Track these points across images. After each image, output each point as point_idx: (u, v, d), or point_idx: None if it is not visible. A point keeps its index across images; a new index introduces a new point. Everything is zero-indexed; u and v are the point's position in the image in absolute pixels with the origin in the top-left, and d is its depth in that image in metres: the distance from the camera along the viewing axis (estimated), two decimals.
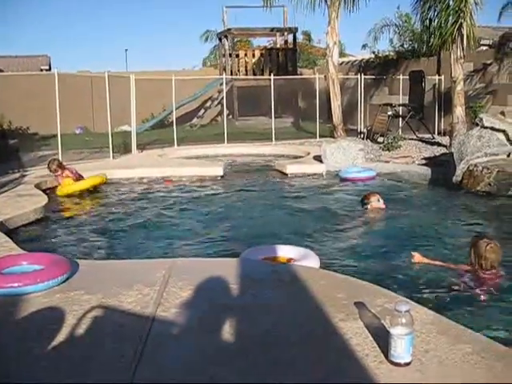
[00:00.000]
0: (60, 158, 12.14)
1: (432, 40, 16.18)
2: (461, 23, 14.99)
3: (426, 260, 5.69)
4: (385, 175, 11.99)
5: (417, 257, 5.72)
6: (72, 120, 20.16)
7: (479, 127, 10.65)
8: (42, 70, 27.42)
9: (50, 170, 10.77)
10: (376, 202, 8.34)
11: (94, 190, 10.72)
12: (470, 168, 9.79)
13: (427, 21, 16.21)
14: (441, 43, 15.43)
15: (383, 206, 8.36)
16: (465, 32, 15.13)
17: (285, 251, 5.57)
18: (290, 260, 5.32)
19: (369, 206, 8.36)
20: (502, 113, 10.96)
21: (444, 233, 7.29)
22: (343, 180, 11.50)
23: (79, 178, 10.87)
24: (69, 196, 10.22)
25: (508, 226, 7.58)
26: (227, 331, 3.39)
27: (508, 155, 10.11)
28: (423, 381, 2.74)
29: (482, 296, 4.97)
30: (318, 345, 3.21)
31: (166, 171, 12.60)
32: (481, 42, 20.60)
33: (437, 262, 5.68)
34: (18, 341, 3.34)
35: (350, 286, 4.16)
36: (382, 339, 3.03)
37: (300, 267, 4.73)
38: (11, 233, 6.95)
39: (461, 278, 5.32)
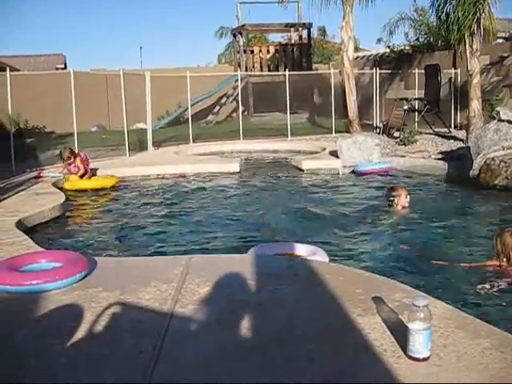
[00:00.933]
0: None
1: (450, 34, 16.07)
2: (479, 16, 14.88)
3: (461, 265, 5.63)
4: (401, 170, 11.96)
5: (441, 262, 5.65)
6: (88, 118, 20.27)
7: (496, 120, 10.58)
8: (57, 69, 27.52)
9: (63, 158, 10.94)
10: (403, 198, 8.07)
11: (109, 188, 10.78)
12: (487, 162, 9.74)
13: (444, 15, 16.08)
14: (459, 37, 15.30)
15: (407, 204, 8.14)
16: (483, 24, 15.00)
17: (294, 248, 5.58)
18: (298, 257, 5.31)
19: (396, 200, 8.08)
20: None
21: (464, 228, 7.26)
22: (359, 174, 11.50)
23: (88, 164, 11.19)
24: (76, 191, 10.38)
25: None
26: (245, 327, 3.39)
27: None
28: (441, 375, 2.73)
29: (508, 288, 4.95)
30: (335, 339, 3.21)
31: (182, 168, 12.66)
32: (497, 35, 20.44)
33: (466, 264, 5.64)
34: (38, 338, 3.37)
35: (367, 281, 4.15)
36: (400, 334, 3.02)
37: (316, 262, 4.73)
38: (29, 231, 7.02)
39: (487, 274, 5.28)
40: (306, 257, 5.19)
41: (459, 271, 5.52)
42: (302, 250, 5.48)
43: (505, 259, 5.30)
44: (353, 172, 11.97)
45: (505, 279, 5.13)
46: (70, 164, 11.00)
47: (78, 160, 11.05)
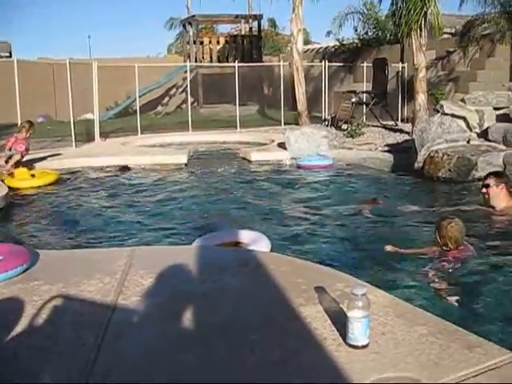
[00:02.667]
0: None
1: (398, 28, 16.31)
2: (426, 11, 15.13)
3: (398, 250, 5.76)
4: (347, 162, 12.11)
5: (389, 247, 5.78)
6: (34, 108, 19.87)
7: (440, 114, 10.80)
8: (1, 57, 26.90)
9: (27, 130, 10.64)
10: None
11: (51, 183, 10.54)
12: (431, 154, 9.94)
13: (393, 7, 16.30)
14: (407, 31, 15.54)
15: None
16: (430, 20, 15.27)
17: (238, 236, 5.62)
18: (242, 244, 5.37)
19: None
20: (463, 100, 11.11)
21: (408, 218, 7.39)
22: (300, 168, 11.60)
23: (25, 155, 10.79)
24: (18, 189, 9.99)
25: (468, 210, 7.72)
26: (188, 318, 3.40)
27: (468, 141, 10.28)
28: (379, 362, 2.79)
29: (451, 274, 5.10)
30: (277, 329, 3.24)
31: (128, 159, 12.55)
32: (444, 31, 20.83)
33: (407, 251, 5.77)
34: None
35: (310, 272, 4.20)
36: (341, 323, 3.06)
37: (260, 253, 4.76)
38: None
39: (430, 261, 5.44)
40: (249, 243, 5.25)
41: (402, 258, 5.64)
42: (246, 237, 5.53)
43: (444, 247, 5.45)
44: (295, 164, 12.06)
45: (444, 263, 5.29)
46: (16, 139, 10.68)
47: (21, 142, 10.72)
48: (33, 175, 10.50)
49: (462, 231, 5.48)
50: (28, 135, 10.93)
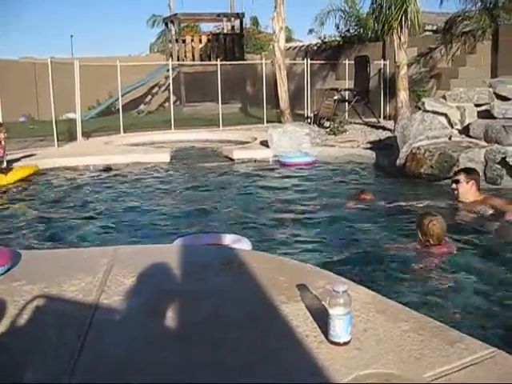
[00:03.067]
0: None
1: (378, 25, 16.39)
2: (406, 8, 15.20)
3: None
4: (330, 159, 12.15)
5: None
6: (16, 107, 19.77)
7: (421, 111, 10.86)
8: None
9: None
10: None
11: (32, 179, 10.47)
12: (413, 151, 9.98)
13: (374, 5, 16.37)
14: (387, 29, 15.61)
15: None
16: (410, 17, 15.34)
17: (218, 238, 5.61)
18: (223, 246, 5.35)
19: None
20: (444, 97, 11.17)
21: (390, 215, 7.43)
22: (282, 165, 11.63)
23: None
24: None
25: (449, 206, 7.78)
26: (170, 316, 3.40)
27: (449, 138, 10.33)
28: (361, 358, 2.80)
29: (432, 270, 5.14)
30: (259, 327, 3.25)
31: (111, 159, 12.50)
32: (425, 28, 20.95)
33: (392, 245, 5.82)
34: None
35: (292, 269, 4.21)
36: (322, 320, 3.07)
37: (242, 251, 4.77)
38: None
39: (413, 257, 5.48)
40: (230, 246, 5.24)
41: (384, 254, 5.68)
42: (226, 239, 5.51)
43: (426, 243, 5.53)
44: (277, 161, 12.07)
45: (426, 259, 5.37)
46: None
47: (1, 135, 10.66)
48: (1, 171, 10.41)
49: (443, 228, 5.54)
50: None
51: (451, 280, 5.01)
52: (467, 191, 7.29)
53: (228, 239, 5.51)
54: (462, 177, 7.34)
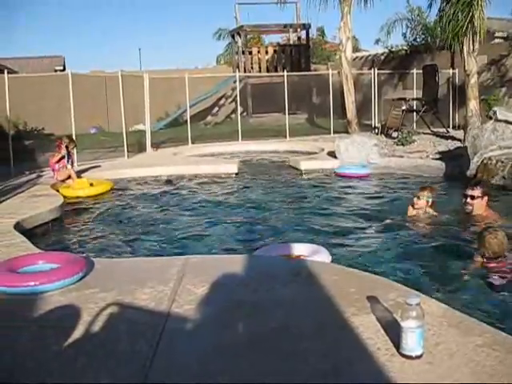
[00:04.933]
0: (75, 158, 12.23)
1: (444, 34, 16.14)
2: (472, 16, 14.92)
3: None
4: (399, 170, 12.01)
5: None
6: (87, 120, 20.34)
7: (493, 120, 10.62)
8: (56, 71, 27.58)
9: (66, 146, 10.88)
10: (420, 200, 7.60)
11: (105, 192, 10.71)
12: (484, 161, 9.78)
13: (440, 13, 16.15)
14: (453, 36, 15.36)
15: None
16: (476, 24, 15.05)
17: (296, 249, 5.60)
18: (302, 257, 5.34)
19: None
20: None
21: (459, 227, 7.26)
22: (337, 176, 11.57)
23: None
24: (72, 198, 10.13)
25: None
26: (240, 326, 3.43)
27: None
28: (434, 373, 2.76)
29: (494, 285, 5.01)
30: (329, 338, 3.24)
31: (180, 169, 12.68)
32: (495, 35, 20.51)
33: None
34: (35, 338, 3.40)
35: (362, 281, 4.18)
36: (394, 333, 3.05)
37: (313, 262, 4.76)
38: (28, 233, 7.02)
39: (473, 270, 5.36)
40: (309, 256, 5.22)
41: (454, 267, 5.57)
42: (304, 250, 5.50)
43: (486, 257, 5.41)
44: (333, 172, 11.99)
45: (492, 275, 5.22)
46: (57, 152, 10.93)
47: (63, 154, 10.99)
48: (91, 184, 10.69)
49: (504, 244, 5.41)
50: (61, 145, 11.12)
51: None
52: (481, 206, 7.13)
53: (307, 249, 5.51)
54: (477, 192, 7.12)
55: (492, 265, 5.34)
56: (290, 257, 5.42)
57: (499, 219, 6.99)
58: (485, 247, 5.37)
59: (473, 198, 7.11)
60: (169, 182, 11.92)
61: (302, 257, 5.32)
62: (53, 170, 11.00)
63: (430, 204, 7.51)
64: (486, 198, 7.17)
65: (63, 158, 11.00)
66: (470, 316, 3.50)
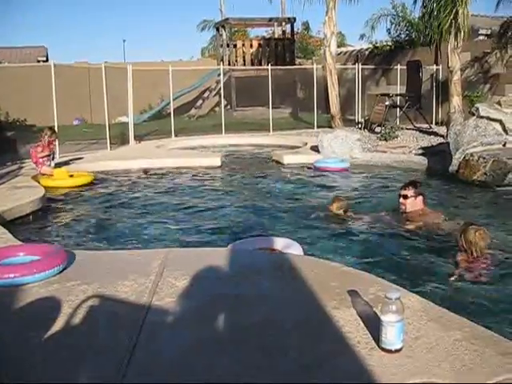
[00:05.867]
0: (57, 150, 12.16)
1: (428, 30, 16.22)
2: (456, 12, 14.99)
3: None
4: (381, 165, 12.06)
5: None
6: (70, 111, 20.21)
7: (475, 117, 10.69)
8: (39, 62, 27.33)
9: (46, 139, 10.85)
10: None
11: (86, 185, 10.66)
12: (466, 158, 9.83)
13: (424, 9, 16.23)
14: (438, 33, 15.44)
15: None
16: (460, 21, 15.13)
17: (271, 242, 5.61)
18: (275, 251, 5.35)
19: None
20: (499, 102, 10.97)
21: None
22: (316, 170, 11.58)
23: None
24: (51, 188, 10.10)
25: (503, 214, 7.63)
26: (222, 320, 3.43)
27: (504, 144, 10.15)
28: (413, 366, 2.78)
29: (475, 281, 5.06)
30: (310, 332, 3.25)
31: (163, 162, 12.64)
32: (479, 32, 20.61)
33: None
34: (16, 331, 3.38)
35: (343, 275, 4.20)
36: (374, 326, 3.06)
37: (295, 256, 4.78)
38: (8, 224, 6.97)
39: (455, 267, 5.40)
40: (282, 250, 5.24)
41: (435, 263, 5.60)
42: (278, 243, 5.51)
43: (468, 253, 5.44)
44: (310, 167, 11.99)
45: (470, 271, 5.26)
46: (39, 143, 10.90)
47: (43, 145, 10.95)
48: (71, 176, 10.65)
49: (487, 240, 5.47)
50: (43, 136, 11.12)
51: (496, 291, 4.91)
52: (415, 205, 7.18)
53: (280, 243, 5.52)
54: (410, 192, 7.19)
55: (476, 263, 5.36)
56: (264, 250, 5.43)
57: (439, 218, 7.05)
58: (472, 244, 5.39)
59: (406, 197, 7.17)
60: (146, 172, 11.88)
61: (275, 251, 5.33)
62: (35, 163, 10.93)
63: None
64: (420, 197, 7.21)
65: (49, 155, 10.99)
66: (449, 310, 3.52)
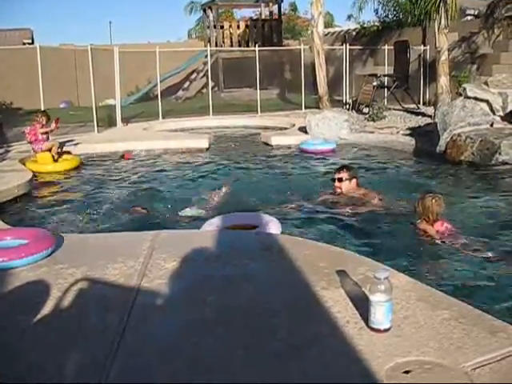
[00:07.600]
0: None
1: (418, 10, 16.18)
2: None
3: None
4: (369, 145, 12.07)
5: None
6: (56, 94, 20.06)
7: (463, 97, 10.72)
8: (24, 44, 27.05)
9: (41, 122, 10.76)
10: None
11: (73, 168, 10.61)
12: (454, 138, 9.86)
13: None
14: (424, 13, 15.41)
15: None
16: (448, 1, 15.10)
17: (248, 218, 5.64)
18: (253, 227, 5.37)
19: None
20: (486, 83, 10.99)
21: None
22: (302, 152, 11.57)
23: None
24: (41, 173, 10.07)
25: (490, 194, 7.67)
26: (210, 301, 3.43)
27: (491, 125, 10.18)
28: (401, 345, 2.80)
29: (438, 246, 5.48)
30: (299, 313, 3.26)
31: (150, 144, 12.60)
32: (466, 12, 20.59)
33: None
34: (4, 314, 3.37)
35: (332, 256, 4.21)
36: (363, 306, 3.08)
37: (283, 237, 4.79)
38: None
39: (416, 233, 5.78)
40: (259, 226, 5.28)
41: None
42: (256, 219, 5.53)
43: (425, 219, 5.77)
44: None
45: (426, 237, 5.66)
46: (34, 127, 10.81)
47: (41, 129, 10.86)
48: (55, 160, 10.57)
49: (442, 206, 5.78)
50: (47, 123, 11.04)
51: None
52: (350, 188, 7.35)
53: (258, 219, 5.53)
54: (344, 175, 7.35)
55: (435, 227, 5.70)
56: (241, 226, 5.44)
57: (377, 197, 7.20)
58: (429, 211, 5.71)
59: (340, 180, 7.34)
60: (122, 156, 11.80)
61: (252, 226, 5.35)
62: (34, 141, 10.77)
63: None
64: (354, 180, 7.40)
65: (47, 132, 10.91)
66: (437, 289, 3.55)
